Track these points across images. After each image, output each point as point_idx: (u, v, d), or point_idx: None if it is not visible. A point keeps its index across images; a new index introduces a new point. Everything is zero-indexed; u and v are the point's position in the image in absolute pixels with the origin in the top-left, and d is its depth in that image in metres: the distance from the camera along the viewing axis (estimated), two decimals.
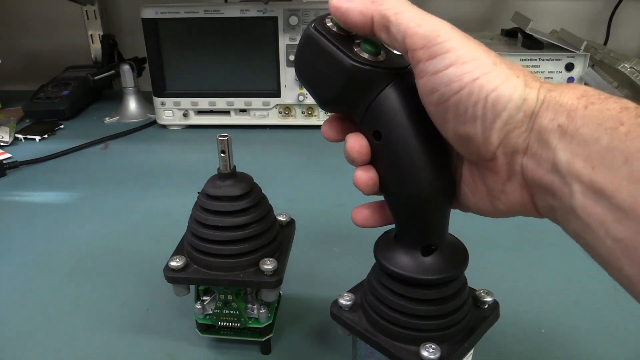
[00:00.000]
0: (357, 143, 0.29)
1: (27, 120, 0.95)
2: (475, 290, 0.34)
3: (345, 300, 0.33)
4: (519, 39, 0.95)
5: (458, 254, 0.30)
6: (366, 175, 0.29)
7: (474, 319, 0.32)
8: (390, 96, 0.27)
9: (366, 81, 0.27)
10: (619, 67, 0.86)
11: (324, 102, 0.29)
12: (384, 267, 0.30)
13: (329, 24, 0.28)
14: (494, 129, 0.24)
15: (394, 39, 0.25)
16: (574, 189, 0.22)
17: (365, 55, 0.27)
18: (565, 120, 0.22)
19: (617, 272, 0.22)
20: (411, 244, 0.29)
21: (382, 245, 0.31)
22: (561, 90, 0.23)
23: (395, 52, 0.28)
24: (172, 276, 0.36)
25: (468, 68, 0.24)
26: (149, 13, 0.83)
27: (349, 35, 0.27)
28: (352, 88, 0.27)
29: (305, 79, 0.29)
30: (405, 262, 0.29)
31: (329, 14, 0.28)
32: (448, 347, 0.29)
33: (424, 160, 0.27)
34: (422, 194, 0.28)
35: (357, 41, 0.27)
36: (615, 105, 0.22)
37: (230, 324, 0.39)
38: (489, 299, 0.33)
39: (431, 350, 0.28)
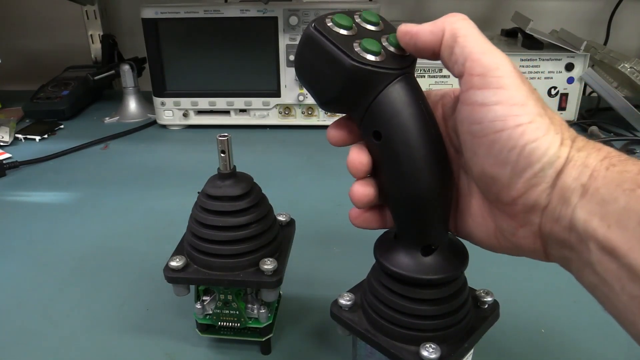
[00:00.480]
0: (357, 159, 0.29)
1: (27, 120, 0.95)
2: (475, 290, 0.34)
3: (345, 300, 0.33)
4: (519, 39, 0.95)
5: (458, 254, 0.30)
6: (363, 190, 0.29)
7: (474, 319, 0.32)
8: (390, 96, 0.27)
9: (366, 81, 0.27)
10: (619, 67, 0.86)
11: (324, 102, 0.29)
12: (384, 267, 0.30)
13: (330, 24, 0.27)
14: (522, 178, 0.24)
15: (455, 60, 0.26)
16: (590, 247, 0.23)
17: (366, 55, 0.27)
18: (587, 180, 0.23)
19: (632, 327, 0.22)
20: (411, 244, 0.29)
21: (382, 245, 0.31)
22: (588, 151, 0.24)
23: (395, 51, 0.28)
24: (172, 276, 0.36)
25: (515, 111, 0.24)
26: (149, 13, 0.83)
27: (350, 35, 0.27)
28: (352, 88, 0.27)
29: (305, 79, 0.29)
30: (405, 262, 0.29)
31: (329, 14, 0.28)
32: (448, 347, 0.29)
33: (424, 160, 0.27)
34: (422, 194, 0.28)
35: (357, 41, 0.27)
36: (633, 168, 0.22)
37: (230, 324, 0.39)
38: (488, 299, 0.33)
39: (431, 350, 0.28)
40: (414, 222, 0.29)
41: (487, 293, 0.33)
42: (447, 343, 0.30)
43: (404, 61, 0.28)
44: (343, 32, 0.27)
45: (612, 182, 0.22)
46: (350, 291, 0.34)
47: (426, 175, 0.27)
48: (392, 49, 0.28)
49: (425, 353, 0.28)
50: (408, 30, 0.27)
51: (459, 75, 0.26)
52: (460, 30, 0.26)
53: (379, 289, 0.31)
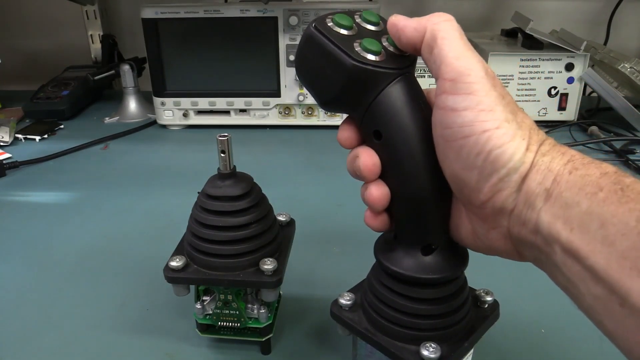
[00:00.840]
0: (370, 161, 0.29)
1: (27, 120, 0.94)
2: (475, 290, 0.34)
3: (345, 300, 0.33)
4: (519, 39, 0.95)
5: (458, 254, 0.30)
6: (380, 193, 0.29)
7: (474, 319, 0.32)
8: (391, 96, 0.27)
9: (366, 81, 0.27)
10: (619, 67, 0.86)
11: (324, 102, 0.29)
12: (384, 266, 0.30)
13: (330, 24, 0.28)
14: (489, 182, 0.25)
15: (433, 61, 0.26)
16: (555, 249, 0.23)
17: (366, 55, 0.27)
18: (551, 184, 0.24)
19: (599, 325, 0.23)
20: (411, 243, 0.29)
21: (382, 245, 0.31)
22: (552, 155, 0.25)
23: (395, 51, 0.28)
24: (172, 276, 0.36)
25: (482, 117, 0.24)
26: (149, 13, 0.83)
27: (350, 35, 0.27)
28: (353, 87, 0.27)
29: (305, 78, 0.29)
30: (405, 261, 0.29)
31: (329, 14, 0.28)
32: (448, 347, 0.29)
33: (424, 159, 0.27)
34: (422, 194, 0.28)
35: (358, 41, 0.27)
36: (595, 171, 0.23)
37: (230, 324, 0.39)
38: (489, 298, 0.33)
39: (431, 349, 0.29)
40: (414, 222, 0.29)
41: (487, 293, 0.33)
42: (448, 342, 0.30)
43: (404, 61, 0.28)
44: (343, 32, 0.27)
45: (574, 186, 0.23)
46: (350, 291, 0.34)
47: (426, 175, 0.27)
48: (392, 49, 0.28)
49: (425, 352, 0.28)
50: (395, 23, 0.28)
51: (435, 78, 0.26)
52: (440, 32, 0.26)
53: (379, 288, 0.31)
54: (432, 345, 0.29)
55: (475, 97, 0.25)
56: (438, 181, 0.28)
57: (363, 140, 0.30)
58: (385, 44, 0.28)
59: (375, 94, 0.27)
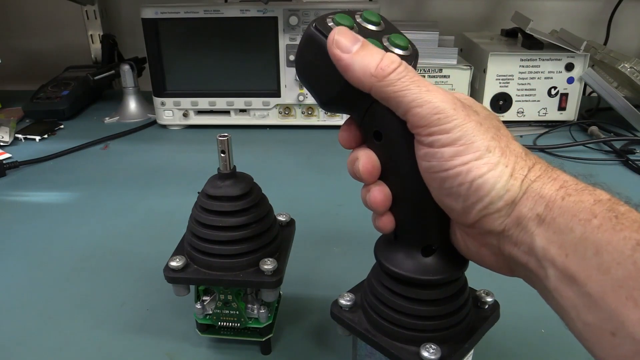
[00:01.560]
0: (369, 163, 0.28)
1: (27, 120, 0.94)
2: (476, 290, 0.34)
3: (345, 301, 0.33)
4: (519, 39, 0.95)
5: (458, 255, 0.30)
6: (382, 195, 0.29)
7: (475, 320, 0.32)
8: None
9: None
10: (619, 67, 0.86)
11: (324, 102, 0.29)
12: (385, 267, 0.30)
13: (330, 24, 0.27)
14: (474, 209, 0.25)
15: (395, 109, 0.26)
16: (548, 273, 0.23)
17: None
18: (543, 210, 0.24)
19: (590, 350, 0.23)
20: (411, 244, 0.29)
21: (383, 246, 0.31)
22: (543, 181, 0.25)
23: (395, 51, 0.28)
24: (172, 276, 0.36)
25: (461, 151, 0.25)
26: (149, 13, 0.83)
27: None
28: (352, 88, 0.27)
29: (305, 78, 0.29)
30: (405, 262, 0.29)
31: (330, 14, 0.28)
32: (448, 348, 0.29)
33: None
34: (422, 194, 0.27)
35: None
36: (589, 198, 0.23)
37: (230, 324, 0.39)
38: (489, 299, 0.33)
39: (431, 350, 0.29)
40: (414, 223, 0.29)
41: (488, 294, 0.33)
42: (448, 343, 0.30)
43: (405, 61, 0.28)
44: None
45: (568, 212, 0.23)
46: (350, 291, 0.34)
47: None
48: (393, 48, 0.28)
49: (425, 354, 0.28)
50: (338, 58, 0.26)
51: (402, 117, 0.26)
52: (389, 89, 0.25)
53: (379, 289, 0.31)
54: (432, 346, 0.29)
55: (451, 135, 0.25)
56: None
57: (363, 141, 0.30)
58: (386, 44, 0.28)
59: None
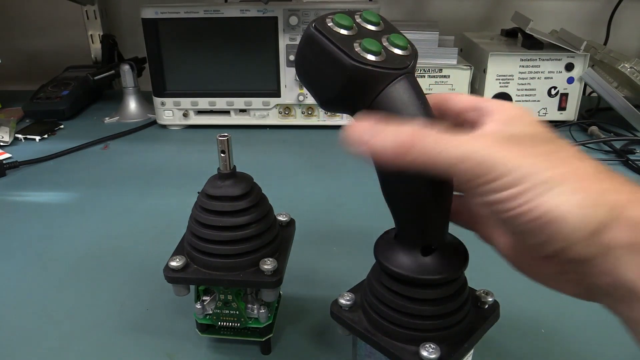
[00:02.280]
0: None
1: (27, 120, 0.94)
2: (476, 290, 0.34)
3: (345, 300, 0.33)
4: (519, 39, 0.95)
5: (458, 254, 0.30)
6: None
7: (475, 319, 0.32)
8: (390, 96, 0.27)
9: (366, 81, 0.27)
10: (619, 67, 0.86)
11: (324, 102, 0.29)
12: (384, 266, 0.30)
13: (330, 24, 0.27)
14: (551, 243, 0.23)
15: (439, 172, 0.24)
16: (634, 306, 0.22)
17: (366, 55, 0.27)
18: (636, 237, 0.22)
19: None
20: (411, 243, 0.29)
21: (382, 245, 0.31)
22: (636, 206, 0.22)
23: (395, 51, 0.28)
24: (172, 276, 0.36)
25: (522, 192, 0.22)
26: (149, 13, 0.83)
27: (350, 35, 0.28)
28: (353, 88, 0.27)
29: (305, 78, 0.29)
30: (405, 262, 0.29)
31: (329, 14, 0.28)
32: (448, 347, 0.29)
33: None
34: (422, 194, 0.27)
35: (358, 41, 0.27)
36: None
37: (230, 324, 0.39)
38: (489, 299, 0.33)
39: (431, 350, 0.28)
40: (414, 222, 0.29)
41: (487, 293, 0.33)
42: (447, 343, 0.30)
43: (404, 61, 0.28)
44: (343, 32, 0.27)
45: None
46: (350, 291, 0.34)
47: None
48: (392, 49, 0.28)
49: (425, 353, 0.28)
50: (358, 150, 0.24)
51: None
52: (421, 163, 0.23)
53: (379, 288, 0.31)
54: (432, 345, 0.29)
55: (506, 179, 0.22)
56: (438, 182, 0.27)
57: None
58: (385, 44, 0.28)
59: (375, 94, 0.27)
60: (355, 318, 0.32)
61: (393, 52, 0.28)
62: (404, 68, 0.27)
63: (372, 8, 0.80)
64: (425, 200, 0.28)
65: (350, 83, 0.27)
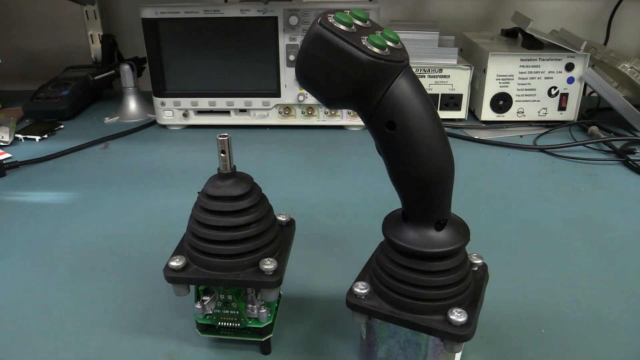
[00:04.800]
0: None
1: (27, 120, 0.95)
2: (468, 254, 0.36)
3: (360, 289, 0.34)
4: (519, 39, 0.95)
5: (461, 225, 0.33)
6: None
7: (474, 281, 0.34)
8: (401, 86, 0.28)
9: (380, 74, 0.28)
10: (619, 67, 0.86)
11: (331, 99, 0.29)
12: (402, 247, 0.31)
13: (335, 23, 0.28)
14: None
15: None
16: None
17: (376, 50, 0.27)
18: None
19: None
20: (426, 222, 0.31)
21: (395, 229, 0.32)
22: None
23: (392, 45, 0.29)
24: (172, 276, 0.36)
25: None
26: (149, 13, 0.83)
27: (353, 32, 0.28)
28: (368, 82, 0.28)
29: (310, 78, 0.29)
30: (422, 240, 0.31)
31: (328, 13, 0.28)
32: (468, 309, 0.31)
33: (437, 143, 0.29)
34: (440, 174, 0.30)
35: (364, 37, 0.28)
36: None
37: (230, 324, 0.39)
38: (479, 261, 0.36)
39: (458, 313, 0.31)
40: (431, 201, 0.31)
41: (478, 256, 0.36)
42: (465, 305, 0.32)
43: (403, 54, 0.29)
44: (347, 29, 0.28)
45: None
46: (358, 280, 0.35)
47: (441, 156, 0.29)
48: (390, 43, 0.29)
49: (454, 317, 0.30)
50: None
51: None
52: None
53: (399, 271, 0.32)
54: (458, 310, 0.31)
55: None
56: (450, 161, 0.30)
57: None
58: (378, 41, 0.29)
59: (387, 86, 0.28)
60: (375, 304, 0.33)
61: (392, 46, 0.29)
62: (405, 61, 0.29)
63: (372, 8, 0.80)
64: (442, 181, 0.30)
65: (365, 77, 0.28)
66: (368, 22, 0.30)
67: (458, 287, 0.32)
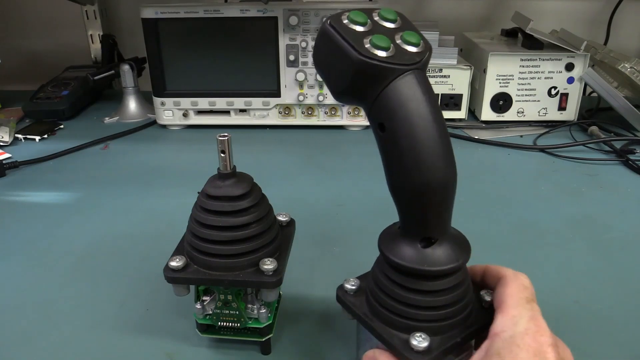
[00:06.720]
0: None
1: (27, 120, 0.94)
2: (480, 289, 0.34)
3: (350, 285, 0.34)
4: (519, 39, 0.95)
5: (459, 247, 0.30)
6: None
7: (477, 318, 0.32)
8: (395, 90, 0.28)
9: (372, 75, 0.28)
10: (619, 67, 0.86)
11: (337, 92, 0.30)
12: (383, 255, 0.31)
13: (345, 21, 0.28)
14: None
15: None
16: None
17: (374, 51, 0.27)
18: None
19: None
20: (411, 235, 0.30)
21: (386, 236, 0.32)
22: None
23: (406, 47, 0.29)
24: (172, 276, 0.36)
25: None
26: (149, 13, 0.83)
27: (363, 31, 0.28)
28: (359, 81, 0.28)
29: (321, 70, 0.30)
30: (403, 251, 0.30)
31: (346, 11, 0.29)
32: (440, 340, 0.30)
33: (426, 153, 0.28)
34: (423, 187, 0.28)
35: (369, 37, 0.28)
36: None
37: (230, 324, 0.39)
38: (489, 298, 0.33)
39: (420, 339, 0.29)
40: (415, 214, 0.30)
41: (489, 293, 0.33)
42: (441, 335, 0.30)
43: (413, 57, 0.28)
44: (357, 28, 0.28)
45: None
46: (357, 277, 0.35)
47: (428, 168, 0.28)
48: (404, 45, 0.29)
49: (414, 342, 0.29)
50: None
51: None
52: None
53: (378, 275, 0.32)
54: (422, 335, 0.29)
55: None
56: (440, 175, 0.28)
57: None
58: (398, 41, 0.29)
59: (382, 87, 0.28)
60: (357, 302, 0.33)
61: (404, 48, 0.29)
62: (413, 64, 0.28)
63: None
64: (428, 195, 0.29)
65: (356, 76, 0.28)
66: (398, 22, 0.30)
67: (432, 312, 0.31)
